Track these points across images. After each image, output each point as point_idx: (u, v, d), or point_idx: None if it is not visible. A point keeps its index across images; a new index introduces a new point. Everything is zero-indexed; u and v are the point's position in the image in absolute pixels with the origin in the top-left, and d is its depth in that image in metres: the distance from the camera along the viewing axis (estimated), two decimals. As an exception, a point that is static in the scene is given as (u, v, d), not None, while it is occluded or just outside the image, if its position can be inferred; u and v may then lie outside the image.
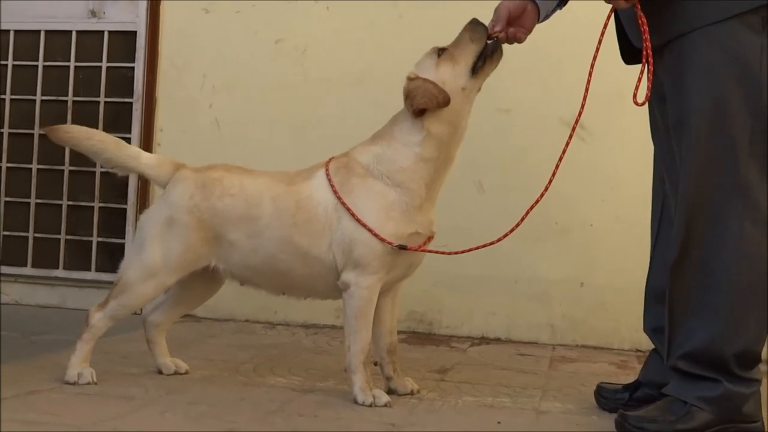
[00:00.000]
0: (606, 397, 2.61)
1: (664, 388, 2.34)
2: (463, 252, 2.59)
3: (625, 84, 3.76)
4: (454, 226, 3.87)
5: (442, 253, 2.57)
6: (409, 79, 2.54)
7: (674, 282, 2.30)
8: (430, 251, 2.58)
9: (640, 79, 2.29)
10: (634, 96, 2.26)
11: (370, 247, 2.47)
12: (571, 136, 2.47)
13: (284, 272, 2.59)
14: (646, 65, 2.25)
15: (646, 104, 2.39)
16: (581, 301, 3.80)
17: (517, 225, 2.52)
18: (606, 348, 3.75)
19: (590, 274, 3.80)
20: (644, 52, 2.25)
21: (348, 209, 2.49)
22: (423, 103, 2.47)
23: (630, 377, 2.76)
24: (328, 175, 2.56)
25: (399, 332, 3.83)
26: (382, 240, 2.46)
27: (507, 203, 3.85)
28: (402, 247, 2.47)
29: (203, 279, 2.75)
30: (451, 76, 2.51)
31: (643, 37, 2.24)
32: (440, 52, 2.54)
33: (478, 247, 2.60)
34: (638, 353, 3.60)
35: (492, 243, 2.57)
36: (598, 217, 3.79)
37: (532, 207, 2.51)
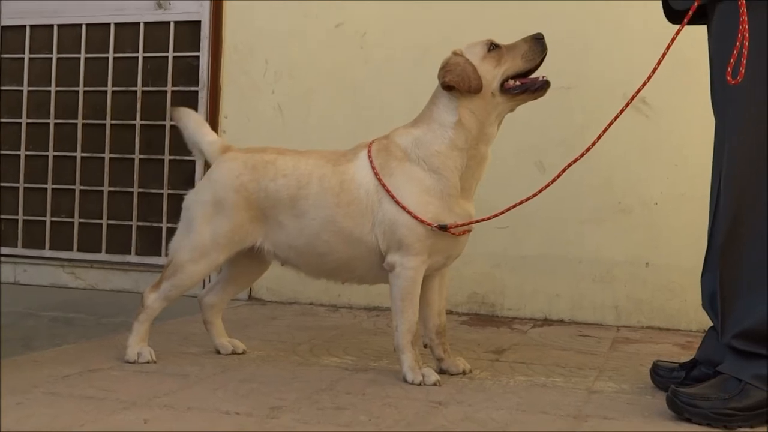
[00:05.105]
0: (662, 376, 2.54)
1: (719, 366, 2.27)
2: (489, 218, 2.57)
3: (688, 58, 3.66)
4: (515, 208, 3.83)
5: (480, 221, 2.56)
6: (454, 53, 2.55)
7: (726, 258, 2.23)
8: (475, 221, 2.56)
9: (734, 56, 2.11)
10: (728, 74, 2.11)
11: (411, 229, 2.47)
12: (622, 110, 2.41)
13: (324, 254, 2.61)
14: (742, 40, 2.10)
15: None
16: (646, 282, 3.72)
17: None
18: (672, 329, 3.66)
19: (655, 253, 3.71)
20: (741, 27, 2.11)
21: (388, 191, 2.50)
22: (455, 81, 2.47)
23: (693, 357, 2.68)
24: (370, 157, 2.57)
25: (460, 314, 3.85)
26: (422, 221, 2.46)
27: (568, 183, 3.78)
28: (443, 228, 2.46)
29: (251, 259, 2.80)
30: (490, 75, 2.50)
31: (741, 10, 2.10)
32: (492, 47, 2.53)
33: (504, 211, 2.59)
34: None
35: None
36: (662, 195, 3.70)
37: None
